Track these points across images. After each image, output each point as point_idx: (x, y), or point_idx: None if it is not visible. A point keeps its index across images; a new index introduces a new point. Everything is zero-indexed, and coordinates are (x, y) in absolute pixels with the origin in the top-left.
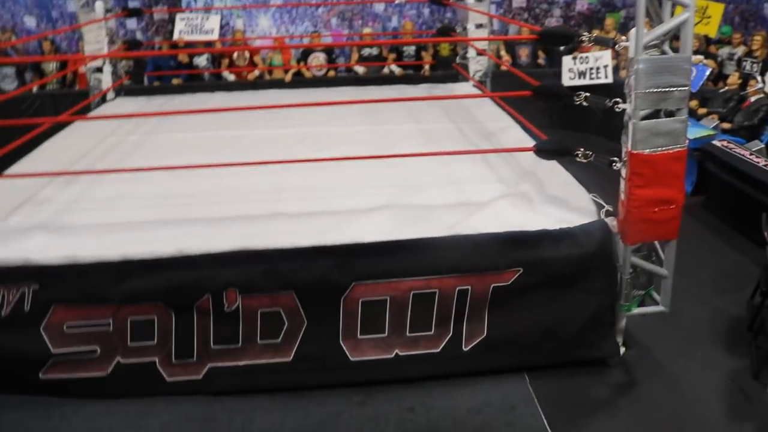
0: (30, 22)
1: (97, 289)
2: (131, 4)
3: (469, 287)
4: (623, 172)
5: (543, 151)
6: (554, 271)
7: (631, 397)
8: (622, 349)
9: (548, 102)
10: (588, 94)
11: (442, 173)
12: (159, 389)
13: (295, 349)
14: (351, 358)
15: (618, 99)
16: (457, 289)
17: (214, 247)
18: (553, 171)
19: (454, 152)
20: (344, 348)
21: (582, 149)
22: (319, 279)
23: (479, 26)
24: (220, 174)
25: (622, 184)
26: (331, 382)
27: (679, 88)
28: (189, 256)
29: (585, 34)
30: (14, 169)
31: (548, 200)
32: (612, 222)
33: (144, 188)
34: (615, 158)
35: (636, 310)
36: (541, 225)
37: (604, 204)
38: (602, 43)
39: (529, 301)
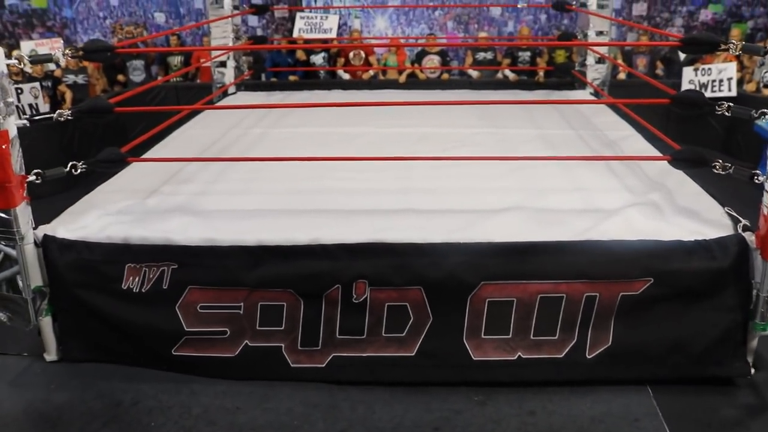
0: (159, 18)
1: (232, 272)
2: (256, 1)
3: (598, 294)
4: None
5: (679, 160)
6: (686, 284)
7: (763, 420)
8: (752, 370)
9: (686, 111)
10: (732, 105)
11: (566, 179)
12: (283, 374)
13: (418, 344)
14: (473, 358)
15: (765, 110)
16: (585, 295)
17: (348, 238)
18: (683, 182)
19: (584, 157)
20: (467, 347)
21: (720, 160)
22: (448, 276)
23: (600, 33)
24: (347, 168)
25: (766, 198)
26: (452, 379)
27: None
28: (324, 246)
29: (732, 42)
30: (147, 155)
31: (680, 211)
32: (750, 237)
33: (275, 177)
34: (757, 171)
35: None
36: (674, 236)
37: (740, 218)
38: (752, 51)
39: (658, 313)
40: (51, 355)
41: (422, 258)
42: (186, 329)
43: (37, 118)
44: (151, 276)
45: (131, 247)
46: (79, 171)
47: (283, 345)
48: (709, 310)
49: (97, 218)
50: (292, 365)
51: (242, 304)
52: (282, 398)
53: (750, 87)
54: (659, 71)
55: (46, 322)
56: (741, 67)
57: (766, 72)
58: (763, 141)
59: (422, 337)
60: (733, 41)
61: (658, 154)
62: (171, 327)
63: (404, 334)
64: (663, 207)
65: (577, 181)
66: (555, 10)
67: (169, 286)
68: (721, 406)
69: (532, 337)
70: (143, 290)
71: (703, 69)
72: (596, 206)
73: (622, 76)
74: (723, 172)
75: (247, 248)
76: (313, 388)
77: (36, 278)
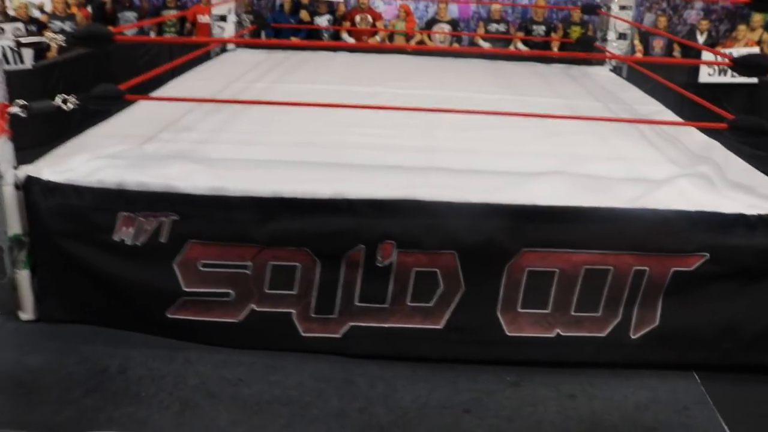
0: None
1: (241, 226)
2: None
3: (648, 269)
4: None
5: (737, 128)
6: (744, 262)
7: None
8: None
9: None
10: None
11: (604, 148)
12: (293, 344)
13: (447, 317)
14: (507, 333)
15: None
16: (634, 269)
17: (376, 193)
18: (727, 156)
19: (632, 120)
20: (501, 321)
21: None
22: (486, 241)
23: (623, 8)
24: (367, 124)
25: None
26: (484, 357)
27: None
28: (348, 200)
29: None
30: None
31: (733, 185)
32: None
33: (283, 130)
34: None
35: None
36: (733, 209)
37: None
38: None
39: (711, 293)
40: (27, 314)
41: (458, 219)
42: (184, 289)
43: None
44: (147, 227)
45: (126, 194)
46: (70, 106)
47: (294, 311)
48: (766, 293)
49: (88, 161)
50: (303, 334)
51: (250, 263)
52: (290, 370)
53: None
54: (676, 54)
55: (24, 276)
56: (762, 54)
57: None
58: None
59: (452, 308)
60: None
61: (695, 128)
62: (167, 286)
63: (432, 304)
64: (714, 180)
65: (616, 150)
66: None
67: (168, 240)
68: None
69: (572, 313)
70: (138, 243)
71: (722, 52)
72: (642, 175)
73: (639, 56)
74: None
75: (260, 200)
76: (326, 361)
77: (14, 225)
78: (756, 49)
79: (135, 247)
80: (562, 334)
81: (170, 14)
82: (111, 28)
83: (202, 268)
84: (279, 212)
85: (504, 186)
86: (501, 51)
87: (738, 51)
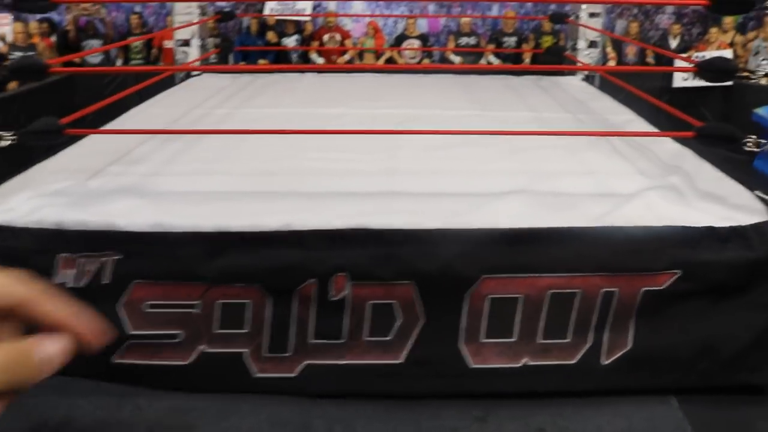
0: None
1: (187, 264)
2: None
3: (617, 290)
4: None
5: (705, 136)
6: (718, 278)
7: None
8: None
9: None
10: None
11: (573, 162)
12: (246, 385)
13: (407, 350)
14: (471, 365)
15: None
16: (603, 290)
17: (325, 223)
18: (700, 166)
19: (598, 133)
20: (464, 352)
21: (754, 136)
22: (444, 269)
23: (593, 15)
24: (324, 148)
25: None
26: (447, 391)
27: None
28: (297, 232)
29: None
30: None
31: (704, 196)
32: None
33: (238, 158)
34: None
35: None
36: (703, 222)
37: None
38: None
39: (685, 311)
40: None
41: (413, 247)
42: (130, 332)
43: None
44: (88, 268)
45: (65, 234)
46: (7, 142)
47: (246, 351)
48: (743, 309)
49: (28, 199)
50: (256, 375)
51: (198, 301)
52: (244, 414)
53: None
54: (650, 59)
55: None
56: (735, 56)
57: (763, 59)
58: (762, 130)
59: (412, 341)
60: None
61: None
62: (112, 329)
63: (391, 337)
64: (684, 191)
65: (585, 164)
66: None
67: (111, 281)
68: (757, 418)
69: (539, 341)
70: (80, 285)
71: (697, 56)
72: (611, 190)
73: (612, 64)
74: (758, 149)
75: (204, 235)
76: (282, 403)
77: None
78: (728, 52)
79: (77, 290)
80: (529, 363)
81: (136, 40)
82: (69, 57)
83: (148, 309)
84: (225, 248)
85: (464, 209)
86: (470, 66)
87: (710, 54)
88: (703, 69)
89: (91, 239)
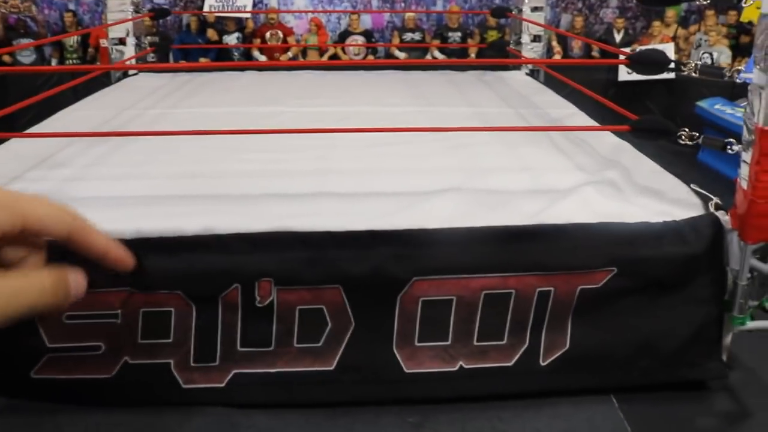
0: None
1: (105, 271)
2: None
3: (552, 289)
4: (746, 156)
5: (640, 129)
6: (654, 274)
7: (743, 427)
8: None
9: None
10: (699, 64)
11: (510, 158)
12: (173, 397)
13: (339, 356)
14: (406, 370)
15: (737, 70)
16: (538, 290)
17: (247, 226)
18: (637, 159)
19: (531, 128)
20: (398, 357)
21: (686, 129)
22: (373, 271)
23: (536, 9)
24: (255, 149)
25: (743, 170)
26: (382, 397)
27: None
28: (217, 236)
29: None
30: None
31: (641, 190)
32: (724, 217)
33: (166, 161)
34: (731, 140)
35: (749, 325)
36: (639, 217)
37: (711, 195)
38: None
39: (622, 309)
40: None
41: (340, 249)
42: (48, 345)
43: None
44: None
45: None
46: None
47: (172, 361)
48: (680, 304)
49: None
50: (183, 386)
51: (119, 311)
52: (172, 428)
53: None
54: (595, 53)
55: None
56: (677, 49)
57: (703, 53)
58: (704, 123)
59: (343, 346)
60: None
61: (606, 131)
62: (29, 342)
63: (321, 344)
64: (622, 186)
65: (523, 160)
66: None
67: None
68: (696, 414)
69: (475, 343)
70: None
71: (641, 50)
72: (548, 186)
73: (557, 57)
74: (691, 143)
75: (122, 241)
76: (210, 414)
77: None
78: (670, 45)
79: None
80: (465, 366)
81: (71, 39)
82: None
83: (66, 320)
84: (145, 253)
85: (394, 209)
86: (413, 62)
87: (655, 47)
88: (634, 62)
89: None
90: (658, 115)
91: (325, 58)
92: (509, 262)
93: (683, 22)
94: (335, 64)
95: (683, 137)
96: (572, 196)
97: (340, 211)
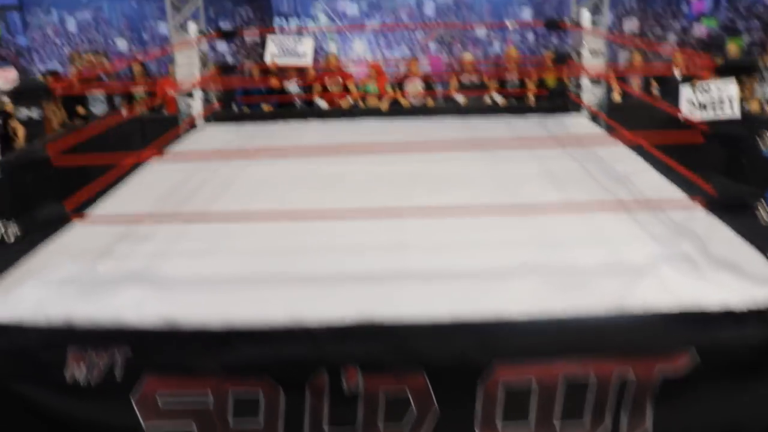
0: (122, 44)
1: (197, 357)
2: (223, 26)
3: (632, 372)
4: None
5: (718, 206)
6: (737, 358)
7: None
8: None
9: (725, 148)
10: None
11: (582, 226)
12: None
13: None
14: None
15: None
16: (617, 374)
17: (332, 315)
18: (712, 226)
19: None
20: None
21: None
22: (455, 358)
23: (594, 52)
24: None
25: None
26: None
27: None
28: (305, 329)
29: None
30: (99, 208)
31: (718, 265)
32: None
33: (244, 233)
34: None
35: None
36: (719, 298)
37: None
38: None
39: (704, 393)
40: None
41: (424, 339)
42: (144, 425)
43: None
44: (99, 363)
45: (75, 329)
46: (11, 238)
47: None
48: (766, 387)
49: (33, 289)
50: None
51: (211, 394)
52: None
53: (753, 106)
54: (654, 90)
55: None
56: (740, 84)
57: None
58: None
59: (427, 428)
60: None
61: (676, 190)
62: (126, 424)
63: (406, 425)
64: (698, 261)
65: (595, 228)
66: (548, 29)
67: (123, 375)
68: None
69: (556, 424)
70: (91, 380)
71: (701, 86)
72: (623, 263)
73: (617, 97)
74: None
75: (212, 333)
76: None
77: None
78: (734, 80)
79: (89, 385)
80: None
81: (140, 89)
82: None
83: (161, 403)
84: (234, 342)
85: (474, 293)
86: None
87: (716, 84)
88: (713, 137)
89: (101, 334)
90: (722, 155)
91: (385, 102)
92: (588, 347)
93: (745, 55)
94: (397, 113)
95: (763, 214)
96: (650, 276)
97: (421, 298)
